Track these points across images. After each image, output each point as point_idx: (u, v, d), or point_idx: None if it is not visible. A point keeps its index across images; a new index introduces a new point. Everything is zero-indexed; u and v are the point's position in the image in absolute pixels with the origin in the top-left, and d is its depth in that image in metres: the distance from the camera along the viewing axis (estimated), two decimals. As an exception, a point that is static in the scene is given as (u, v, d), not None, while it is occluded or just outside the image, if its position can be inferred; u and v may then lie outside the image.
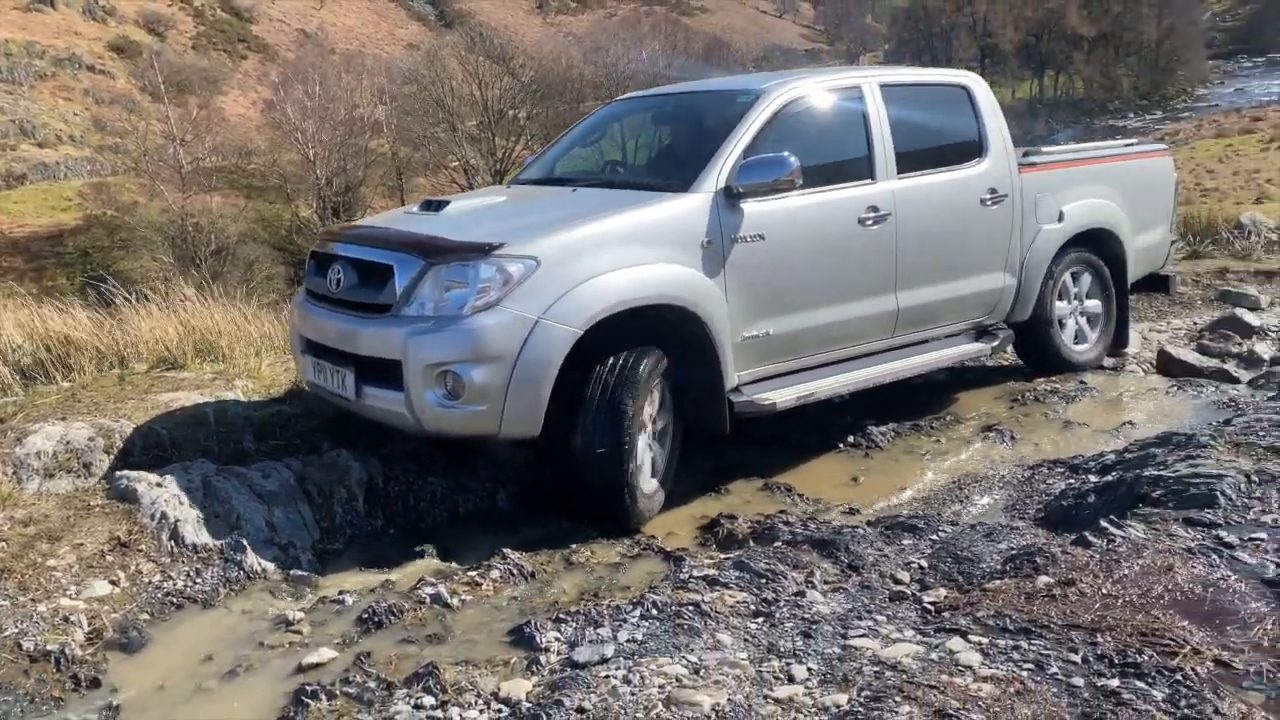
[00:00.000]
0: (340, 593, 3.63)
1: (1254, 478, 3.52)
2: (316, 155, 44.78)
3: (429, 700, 2.81)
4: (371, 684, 2.92)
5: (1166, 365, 6.36)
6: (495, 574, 3.69)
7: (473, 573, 3.73)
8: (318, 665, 3.10)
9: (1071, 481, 4.26)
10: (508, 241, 4.04)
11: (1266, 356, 6.59)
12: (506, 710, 2.69)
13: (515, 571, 3.72)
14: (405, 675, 2.95)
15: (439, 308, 4.03)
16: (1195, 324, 7.56)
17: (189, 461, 4.38)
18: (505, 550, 3.90)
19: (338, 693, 2.87)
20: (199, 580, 3.70)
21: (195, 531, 3.86)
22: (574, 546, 4.02)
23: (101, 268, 37.61)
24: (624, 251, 4.21)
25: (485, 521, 4.47)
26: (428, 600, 3.47)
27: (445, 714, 2.74)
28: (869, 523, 3.93)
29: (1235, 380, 6.03)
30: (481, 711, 2.72)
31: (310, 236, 45.00)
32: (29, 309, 7.48)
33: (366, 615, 3.37)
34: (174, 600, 3.60)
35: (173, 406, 4.99)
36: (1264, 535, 3.15)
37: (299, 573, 3.83)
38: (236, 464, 4.55)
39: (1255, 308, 7.85)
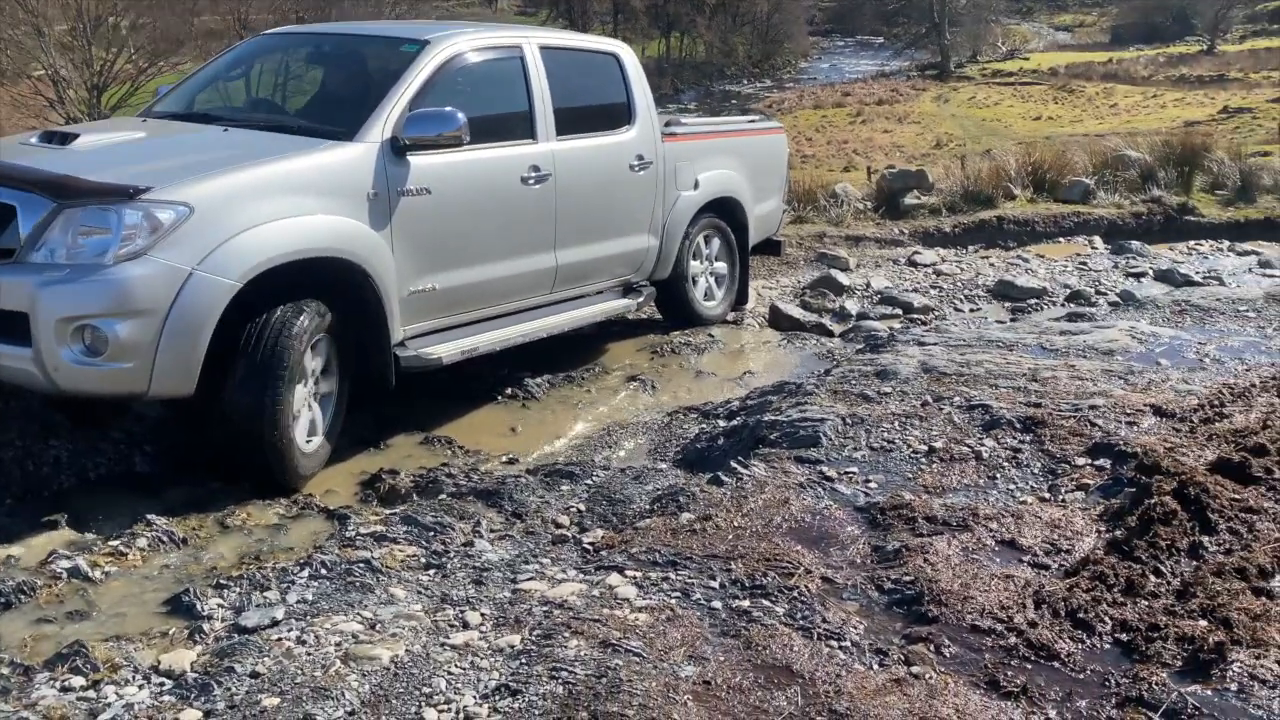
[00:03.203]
0: (-47, 574, 3.25)
1: (848, 420, 4.19)
2: None
3: (78, 681, 2.66)
4: (4, 670, 2.70)
5: (776, 319, 7.23)
6: (142, 542, 3.50)
7: (115, 542, 3.50)
8: (-65, 656, 2.79)
9: (704, 426, 4.79)
10: (156, 185, 3.74)
11: (854, 312, 7.71)
12: (170, 683, 2.62)
13: (165, 539, 3.55)
14: (46, 657, 2.76)
15: (73, 255, 3.66)
16: (799, 282, 8.62)
17: None
18: (150, 516, 3.69)
19: (-36, 684, 2.62)
20: None
21: None
22: (228, 509, 3.87)
23: None
24: (286, 201, 4.05)
25: (123, 485, 4.14)
26: (64, 575, 3.23)
27: (100, 693, 2.61)
28: (529, 471, 4.17)
29: (830, 334, 7.00)
30: (141, 687, 2.62)
31: None
32: None
33: (-8, 596, 3.06)
34: None
35: None
36: (855, 469, 3.79)
37: (-105, 555, 3.37)
38: None
39: (845, 269, 9.08)
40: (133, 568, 3.34)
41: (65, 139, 4.27)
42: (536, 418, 5.22)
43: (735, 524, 3.32)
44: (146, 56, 42.72)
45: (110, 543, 3.50)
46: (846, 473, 3.75)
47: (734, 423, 4.58)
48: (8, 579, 3.14)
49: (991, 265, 9.46)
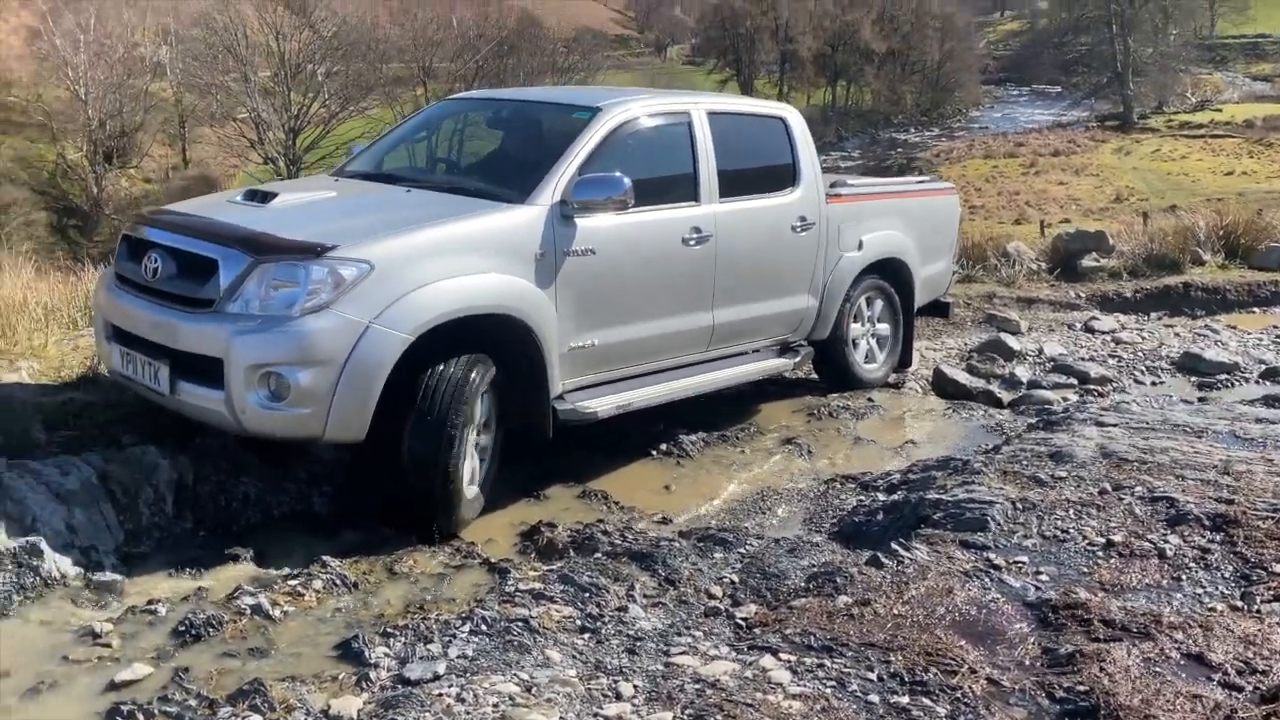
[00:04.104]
0: (150, 602, 3.50)
1: (1018, 504, 4.01)
2: (89, 94, 41.12)
3: (255, 719, 2.79)
4: (192, 702, 2.86)
5: (941, 384, 7.01)
6: (318, 584, 3.67)
7: (294, 582, 3.69)
8: (132, 682, 3.01)
9: (863, 499, 4.68)
10: (341, 243, 4.00)
11: (1024, 379, 7.39)
12: (338, 729, 2.72)
13: (338, 581, 3.71)
14: (229, 692, 2.91)
15: (265, 306, 3.93)
16: (965, 345, 8.35)
17: (-28, 454, 4.06)
18: (326, 558, 3.87)
19: (156, 712, 2.81)
20: (-12, 587, 3.47)
21: (-16, 534, 3.60)
22: (396, 554, 4.03)
23: None
24: (459, 260, 4.25)
25: (301, 524, 4.40)
26: (248, 611, 3.42)
27: (274, 733, 2.74)
28: (682, 534, 4.17)
29: (999, 402, 6.73)
30: (311, 729, 2.74)
31: (77, 181, 41.47)
32: None
33: (183, 627, 3.28)
34: (-42, 610, 3.36)
35: (-53, 389, 4.60)
36: (1025, 559, 3.62)
37: (103, 578, 3.66)
38: (24, 456, 4.25)
39: (1016, 332, 8.74)
40: (309, 609, 3.52)
41: (266, 197, 4.60)
42: (690, 476, 5.22)
43: (895, 611, 3.22)
44: (338, 101, 45.79)
45: (289, 581, 3.69)
46: (1016, 562, 3.58)
47: (894, 497, 4.46)
48: (199, 612, 3.35)
49: (1176, 335, 8.91)
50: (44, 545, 3.63)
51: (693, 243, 5.21)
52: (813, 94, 66.45)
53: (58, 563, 3.63)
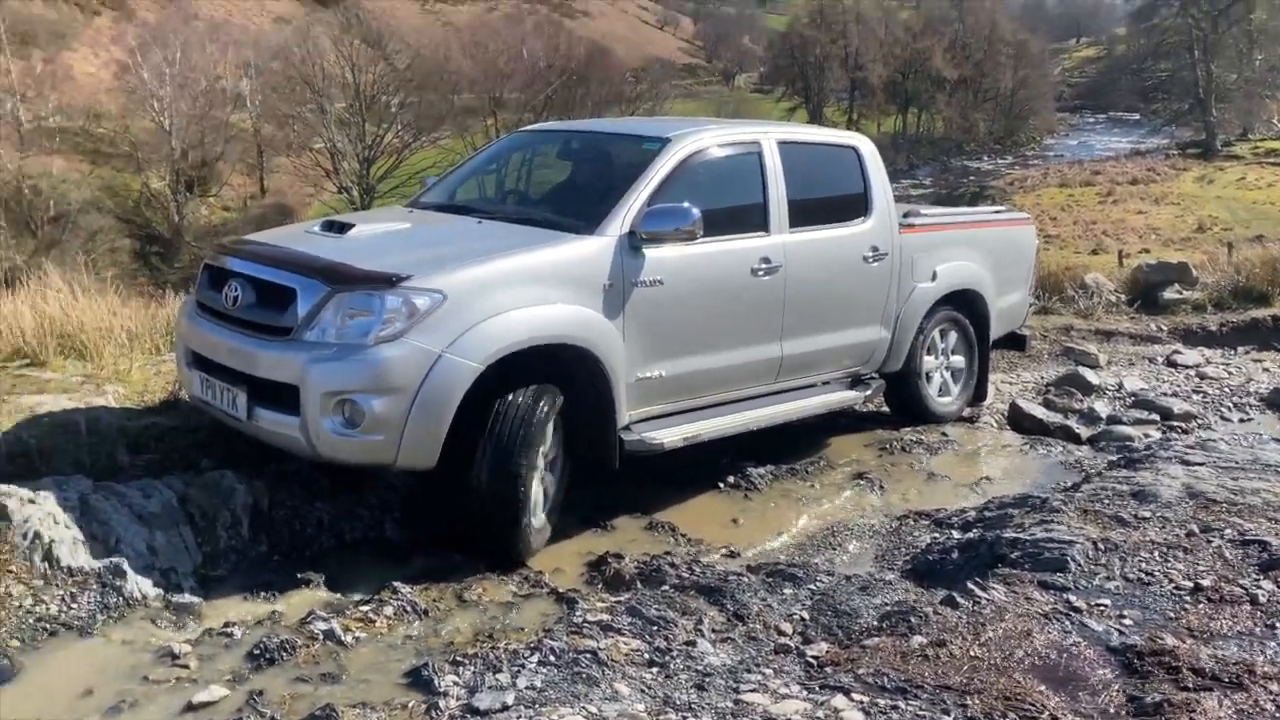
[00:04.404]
0: (227, 624, 3.56)
1: (1099, 545, 3.88)
2: (173, 125, 42.69)
3: (327, 744, 2.82)
4: (266, 726, 2.90)
5: (1017, 419, 6.85)
6: (389, 610, 3.70)
7: (365, 607, 3.73)
8: (208, 704, 3.06)
9: (936, 536, 4.57)
10: (415, 273, 4.06)
11: (1104, 415, 7.18)
12: (407, 757, 2.73)
13: (409, 608, 3.74)
14: (301, 717, 2.95)
15: (341, 335, 4.00)
16: (1042, 378, 8.15)
17: (62, 476, 4.19)
18: (396, 584, 3.91)
19: (231, 734, 2.85)
20: (74, 606, 3.56)
21: (71, 553, 3.71)
22: (465, 582, 4.05)
23: (-79, 226, 34.81)
24: (529, 290, 4.28)
25: (373, 550, 4.45)
26: (320, 636, 3.46)
27: (345, 759, 2.76)
28: (750, 568, 4.12)
29: (1078, 438, 6.54)
30: (381, 757, 2.75)
31: (160, 209, 42.94)
32: None
33: (258, 651, 3.33)
34: (47, 627, 3.46)
35: (39, 412, 4.78)
36: (1108, 601, 3.49)
37: (181, 600, 3.73)
38: (109, 478, 4.39)
39: (1095, 366, 8.52)
40: (379, 635, 3.55)
41: (343, 228, 4.70)
42: (758, 510, 5.17)
43: (972, 653, 3.13)
44: (411, 132, 46.82)
45: (361, 607, 3.73)
46: (1098, 605, 3.46)
47: (970, 535, 4.35)
48: (273, 636, 3.41)
49: (1266, 371, 8.60)
50: (126, 566, 3.72)
51: (762, 273, 5.18)
52: (882, 121, 66.06)
53: (139, 584, 3.72)
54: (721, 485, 5.37)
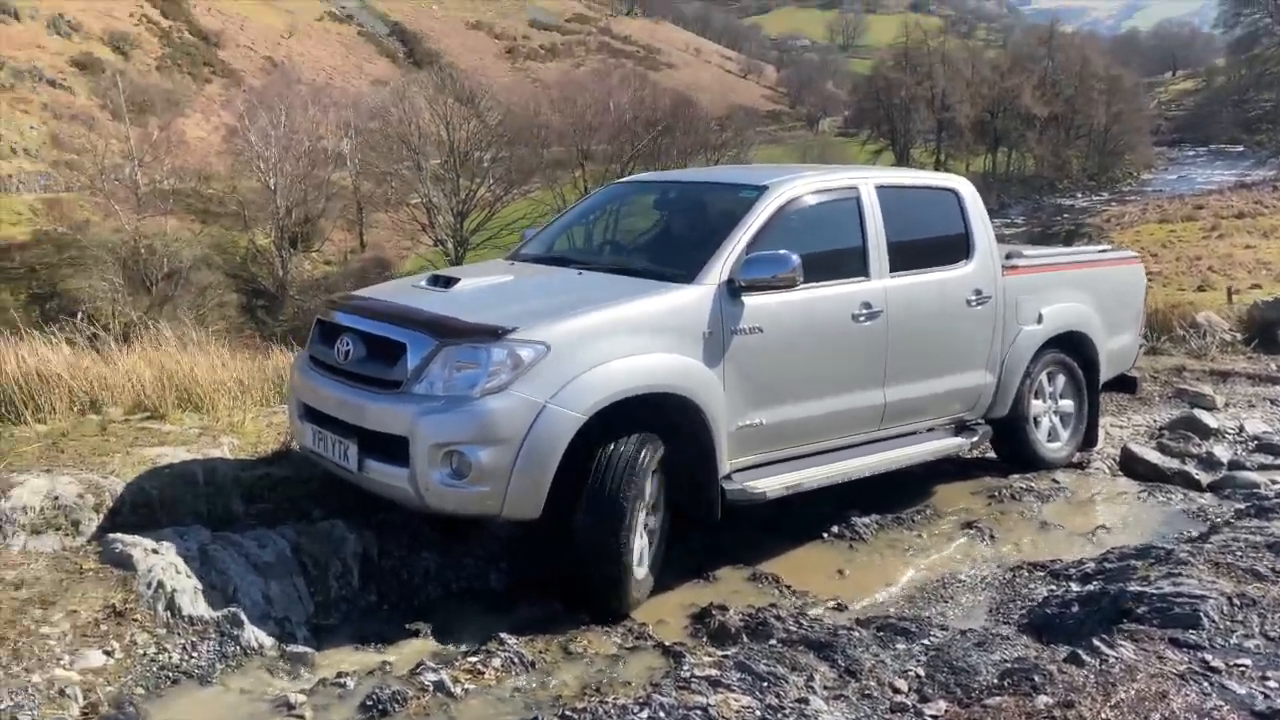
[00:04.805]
0: (340, 674, 3.61)
1: (1235, 600, 3.67)
2: (277, 184, 44.58)
3: (440, 798, 2.81)
4: (379, 778, 2.92)
5: (1130, 464, 6.58)
6: (496, 662, 3.70)
7: (473, 659, 3.74)
8: (324, 755, 3.09)
9: (1053, 588, 4.39)
10: (520, 326, 4.11)
11: (1224, 459, 6.84)
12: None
13: (516, 660, 3.73)
14: (413, 770, 2.95)
15: (449, 387, 4.07)
16: (1155, 421, 7.83)
17: (182, 526, 4.35)
18: (503, 635, 3.91)
19: (347, 786, 2.87)
20: (195, 654, 3.66)
21: (192, 602, 3.82)
22: (570, 633, 4.04)
23: (49, 285, 36.89)
24: (630, 340, 4.30)
25: (478, 600, 4.48)
26: (431, 688, 3.47)
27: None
28: (860, 622, 4.02)
29: (1197, 484, 6.24)
30: (492, 812, 2.73)
31: (265, 264, 44.73)
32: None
33: (370, 702, 3.36)
34: (169, 675, 3.56)
35: (160, 463, 4.94)
36: (1249, 661, 3.30)
37: (296, 649, 3.80)
38: (225, 527, 4.53)
39: (1211, 408, 8.14)
40: (488, 687, 3.55)
41: (448, 283, 4.80)
42: (864, 560, 5.05)
43: (1102, 715, 2.98)
44: (502, 185, 47.99)
45: (469, 658, 3.74)
46: (1237, 665, 3.27)
47: (1089, 588, 4.17)
48: (385, 687, 3.44)
49: (1399, 411, 8.11)
50: (243, 615, 3.82)
51: (863, 319, 5.11)
52: (971, 161, 65.16)
53: (256, 633, 3.80)
54: (825, 535, 5.26)
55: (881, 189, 5.43)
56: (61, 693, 3.30)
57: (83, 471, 4.71)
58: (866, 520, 5.36)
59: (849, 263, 5.22)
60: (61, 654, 3.50)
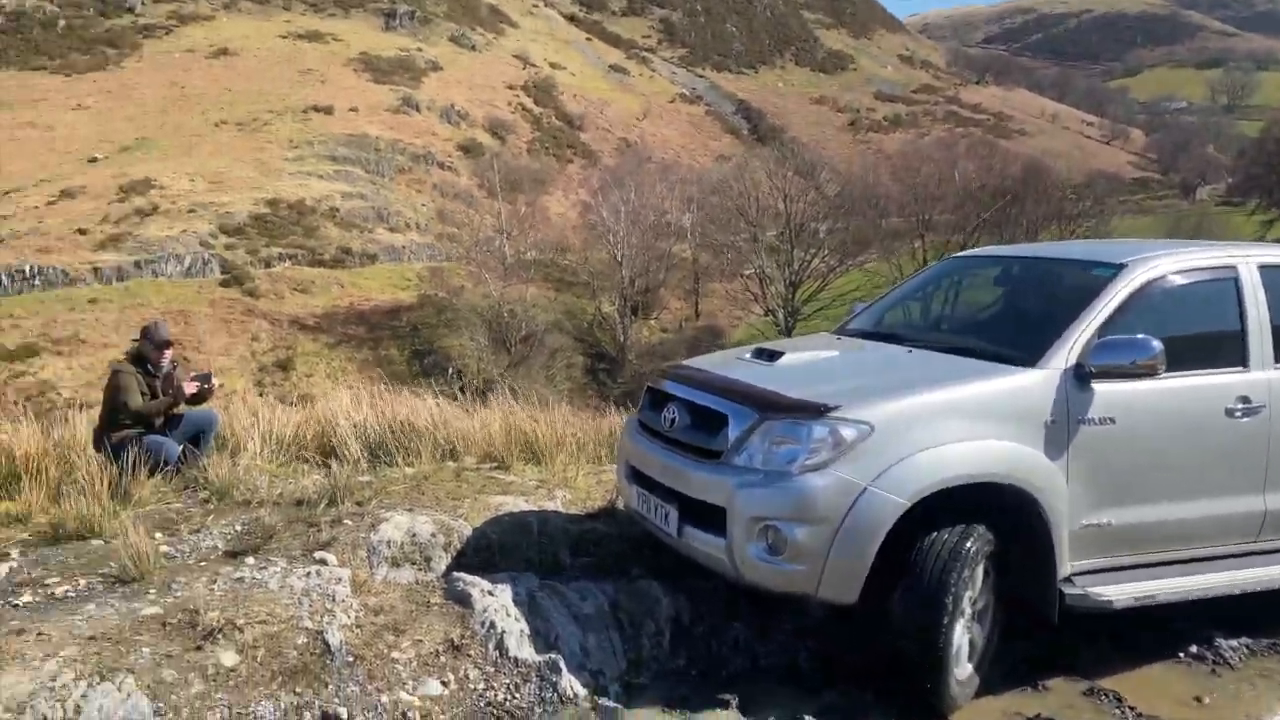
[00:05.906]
0: (645, 735, 3.68)
1: None
2: (624, 256, 47.58)
3: None
4: None
5: None
6: (802, 746, 3.61)
7: (777, 739, 3.67)
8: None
9: None
10: (843, 404, 4.04)
11: None
12: None
13: (821, 746, 3.62)
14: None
15: (767, 461, 4.07)
16: None
17: (515, 572, 4.66)
18: (807, 718, 3.81)
19: None
20: (517, 695, 3.89)
21: (518, 645, 4.08)
22: (879, 728, 3.85)
23: (428, 343, 41.74)
24: (961, 424, 4.08)
25: (784, 678, 4.40)
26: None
27: None
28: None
29: None
30: None
31: (608, 330, 47.77)
32: (371, 388, 8.42)
33: (674, 768, 3.39)
34: (494, 712, 3.81)
35: (501, 511, 5.36)
36: None
37: (607, 704, 3.94)
38: (552, 577, 4.79)
39: None
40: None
41: (773, 356, 4.83)
42: (1230, 690, 4.39)
43: None
44: (836, 256, 48.10)
45: (772, 738, 3.68)
46: None
47: None
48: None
49: None
50: (562, 664, 4.02)
51: (1239, 414, 4.52)
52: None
53: (572, 682, 3.99)
54: (1181, 655, 4.65)
55: (1266, 269, 4.81)
56: (404, 715, 3.64)
57: (438, 512, 5.21)
58: (1234, 643, 4.67)
59: (1224, 351, 4.66)
60: (407, 679, 3.86)
